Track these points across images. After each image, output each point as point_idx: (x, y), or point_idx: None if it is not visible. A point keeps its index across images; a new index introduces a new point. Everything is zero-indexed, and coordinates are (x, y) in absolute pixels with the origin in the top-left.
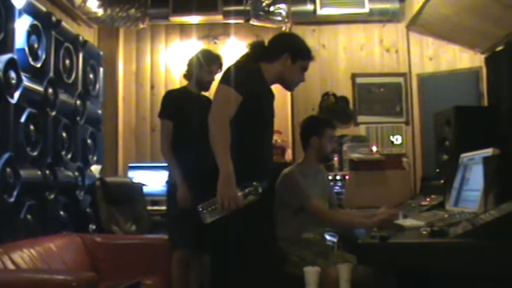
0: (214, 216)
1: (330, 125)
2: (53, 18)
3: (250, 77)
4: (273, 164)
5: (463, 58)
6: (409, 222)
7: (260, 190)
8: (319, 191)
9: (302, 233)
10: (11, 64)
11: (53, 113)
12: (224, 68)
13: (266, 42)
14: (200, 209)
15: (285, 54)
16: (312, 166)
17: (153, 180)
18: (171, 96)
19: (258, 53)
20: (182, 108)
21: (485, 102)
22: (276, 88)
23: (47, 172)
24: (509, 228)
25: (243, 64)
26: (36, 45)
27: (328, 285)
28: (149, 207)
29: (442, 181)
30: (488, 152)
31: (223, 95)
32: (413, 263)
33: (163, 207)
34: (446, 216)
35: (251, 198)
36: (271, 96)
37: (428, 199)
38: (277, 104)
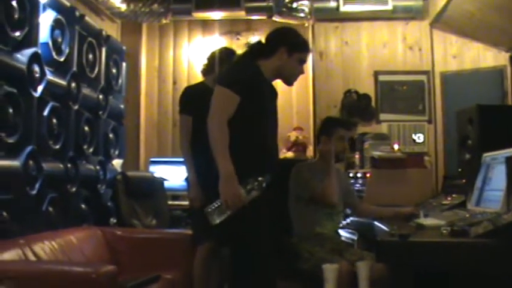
0: (221, 216)
1: (341, 125)
2: (77, 13)
3: (247, 76)
4: (278, 157)
5: (487, 56)
6: (429, 221)
7: (264, 185)
8: (331, 188)
9: (315, 228)
10: (35, 58)
11: (76, 107)
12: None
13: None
14: (207, 211)
15: (281, 49)
16: (323, 164)
17: (174, 175)
18: (190, 92)
19: (255, 51)
20: (201, 104)
21: (510, 101)
22: (298, 85)
23: (69, 165)
24: None
25: (240, 63)
26: (59, 40)
27: (342, 282)
28: (170, 202)
29: (463, 180)
30: (511, 151)
31: (220, 96)
32: (433, 262)
33: (184, 202)
34: (467, 215)
35: (254, 193)
36: (272, 92)
37: (449, 198)
38: (298, 100)
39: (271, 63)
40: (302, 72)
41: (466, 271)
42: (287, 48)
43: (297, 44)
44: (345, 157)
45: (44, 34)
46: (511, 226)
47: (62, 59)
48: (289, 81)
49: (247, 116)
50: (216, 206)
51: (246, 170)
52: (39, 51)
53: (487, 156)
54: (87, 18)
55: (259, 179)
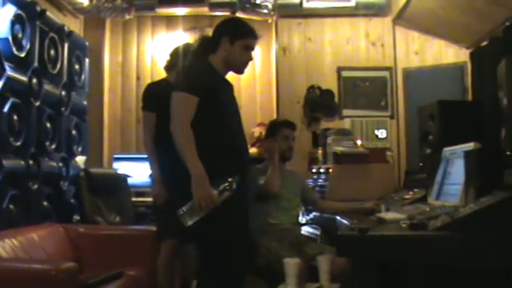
0: (194, 218)
1: (285, 125)
2: (38, 8)
3: (199, 75)
4: (247, 155)
5: (449, 53)
6: (390, 215)
7: (234, 185)
8: (285, 189)
9: (268, 219)
10: None
11: (37, 103)
12: None
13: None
14: (180, 213)
15: (224, 38)
16: (269, 164)
17: (138, 172)
18: (153, 88)
19: (204, 48)
20: (164, 100)
21: (470, 97)
22: (261, 81)
23: (30, 162)
24: (487, 221)
25: (192, 64)
26: (20, 35)
27: (302, 277)
28: (134, 199)
29: (425, 175)
30: (470, 146)
31: (177, 101)
32: (392, 255)
33: (148, 199)
34: (427, 209)
35: (226, 194)
36: (227, 86)
37: (411, 193)
38: (262, 96)
39: (219, 55)
40: (250, 58)
41: (425, 264)
42: (228, 37)
43: (237, 31)
44: (291, 156)
45: (3, 29)
46: (467, 219)
47: (22, 55)
48: (238, 70)
49: (208, 116)
50: (189, 207)
51: (215, 170)
52: None
53: (447, 150)
54: (48, 13)
55: (229, 179)
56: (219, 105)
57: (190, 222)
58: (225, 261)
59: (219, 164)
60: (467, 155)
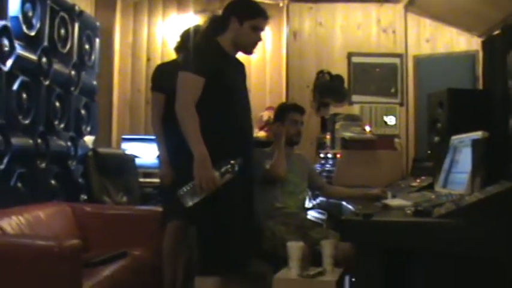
0: (195, 199)
1: (293, 109)
2: None
3: (207, 56)
4: (252, 138)
5: (460, 41)
6: (396, 202)
7: (236, 168)
8: (291, 173)
9: (274, 203)
10: (4, 31)
11: (47, 82)
12: None
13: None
14: (180, 193)
15: (233, 19)
16: (275, 148)
17: (146, 153)
18: (162, 69)
19: (214, 28)
20: (174, 81)
21: (481, 86)
22: (271, 65)
23: (39, 141)
24: (492, 210)
25: (199, 44)
26: (30, 14)
27: (305, 260)
28: (141, 179)
29: (432, 163)
30: (478, 134)
31: (183, 81)
32: (396, 241)
33: (156, 180)
34: (433, 197)
35: (228, 176)
36: (237, 66)
37: (418, 180)
38: (272, 80)
39: (228, 36)
40: (259, 39)
41: (429, 250)
42: (237, 17)
43: (247, 11)
44: (299, 140)
45: (14, 7)
46: (472, 207)
47: (32, 34)
48: (247, 51)
49: (214, 97)
50: (190, 188)
51: (218, 152)
52: (9, 25)
53: (455, 139)
54: None
55: (232, 161)
56: (225, 86)
57: (190, 203)
58: (224, 244)
59: (222, 145)
60: (475, 143)
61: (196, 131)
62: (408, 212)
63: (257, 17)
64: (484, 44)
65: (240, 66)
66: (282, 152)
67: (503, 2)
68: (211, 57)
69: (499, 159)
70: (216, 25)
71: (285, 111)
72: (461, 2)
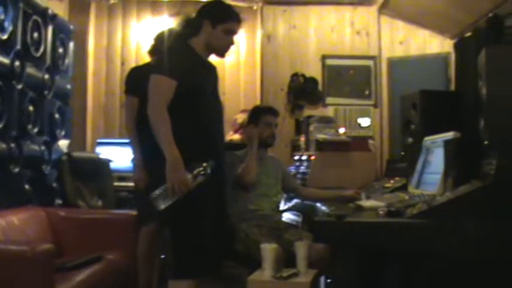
0: (167, 201)
1: (267, 112)
2: None
3: (178, 58)
4: (223, 141)
5: (433, 43)
6: (369, 203)
7: (209, 170)
8: (264, 175)
9: (248, 206)
10: None
11: (20, 86)
12: None
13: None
14: (153, 197)
15: (206, 21)
16: (248, 151)
17: (121, 157)
18: (136, 73)
19: (186, 30)
20: (146, 85)
21: (453, 87)
22: (245, 68)
23: (12, 145)
24: (462, 209)
25: (172, 47)
26: (2, 17)
27: (279, 262)
28: (116, 183)
29: (406, 164)
30: (450, 135)
31: (155, 84)
32: (368, 242)
33: (130, 184)
34: (406, 197)
35: (200, 179)
36: (209, 69)
37: (392, 181)
38: (246, 83)
39: (200, 39)
40: (232, 42)
41: (401, 250)
42: (210, 20)
43: (220, 15)
44: (273, 143)
45: None
46: (442, 207)
47: (4, 37)
48: (219, 54)
49: (186, 99)
50: (162, 191)
51: (190, 155)
52: None
53: (428, 140)
54: None
55: (204, 164)
56: (196, 89)
57: (163, 206)
58: (197, 246)
59: (194, 148)
60: (446, 144)
61: (168, 133)
62: (381, 212)
63: (230, 21)
64: (456, 46)
65: (212, 69)
66: (254, 156)
67: (474, 5)
68: (182, 60)
69: (469, 160)
70: (188, 28)
71: (259, 114)
72: (434, 5)
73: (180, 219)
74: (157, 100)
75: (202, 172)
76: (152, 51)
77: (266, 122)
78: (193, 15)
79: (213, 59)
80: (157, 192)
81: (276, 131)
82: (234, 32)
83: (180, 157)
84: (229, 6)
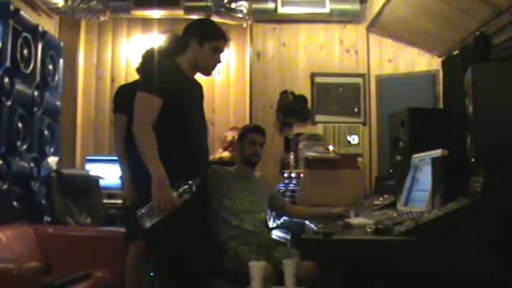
0: (153, 219)
1: (252, 130)
2: (11, 7)
3: (166, 76)
4: (207, 159)
5: (421, 61)
6: (358, 220)
7: (194, 188)
8: (249, 192)
9: (231, 220)
10: None
11: (9, 103)
12: None
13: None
14: (139, 214)
15: (193, 40)
16: (241, 170)
17: (111, 174)
18: (124, 91)
19: (173, 48)
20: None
21: (441, 105)
22: (235, 86)
23: (1, 162)
24: (449, 227)
25: (157, 65)
26: None
27: (268, 280)
28: (105, 201)
29: (395, 181)
30: (437, 152)
31: (141, 102)
32: (356, 259)
33: (120, 201)
34: (395, 215)
35: (186, 196)
36: (195, 87)
37: (381, 199)
38: (235, 101)
39: (187, 56)
40: (218, 61)
41: (389, 267)
42: (197, 38)
43: (207, 33)
44: (257, 161)
45: None
46: (430, 224)
47: None
48: (206, 72)
49: (171, 117)
50: (148, 209)
51: (176, 173)
52: None
53: (416, 157)
54: (22, 12)
55: (190, 182)
56: (182, 107)
57: (148, 224)
58: (183, 264)
59: (179, 166)
60: (434, 161)
61: (153, 151)
62: (369, 230)
63: (217, 39)
64: (444, 64)
65: (197, 87)
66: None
67: (462, 23)
68: (168, 78)
69: (458, 177)
70: (175, 45)
71: (245, 132)
72: (422, 24)
73: (165, 237)
74: (142, 118)
75: (188, 190)
76: (140, 69)
77: (250, 140)
78: (181, 33)
79: (202, 76)
80: (143, 210)
81: (261, 149)
82: (220, 51)
83: (165, 175)
84: (216, 25)
